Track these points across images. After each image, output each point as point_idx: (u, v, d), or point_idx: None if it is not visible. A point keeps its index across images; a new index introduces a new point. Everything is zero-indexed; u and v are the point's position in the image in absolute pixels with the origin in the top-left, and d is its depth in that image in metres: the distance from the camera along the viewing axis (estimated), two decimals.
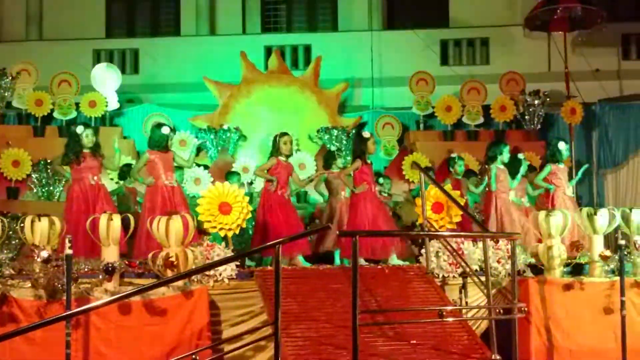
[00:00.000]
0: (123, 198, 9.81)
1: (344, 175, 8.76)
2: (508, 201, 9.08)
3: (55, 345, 5.75)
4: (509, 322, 5.98)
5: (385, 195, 10.49)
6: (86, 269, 6.49)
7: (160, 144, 8.14)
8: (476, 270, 7.16)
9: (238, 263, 6.93)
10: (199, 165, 11.94)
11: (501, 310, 6.24)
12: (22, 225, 6.55)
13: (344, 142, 12.89)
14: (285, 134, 8.50)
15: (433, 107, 13.36)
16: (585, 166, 10.27)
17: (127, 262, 6.64)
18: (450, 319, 6.33)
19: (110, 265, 6.30)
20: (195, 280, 6.60)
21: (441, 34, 15.17)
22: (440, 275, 7.36)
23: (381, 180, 10.66)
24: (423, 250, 7.52)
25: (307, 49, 15.10)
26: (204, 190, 7.80)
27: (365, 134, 8.66)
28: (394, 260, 8.09)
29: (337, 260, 8.64)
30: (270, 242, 5.39)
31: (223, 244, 7.28)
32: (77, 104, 12.77)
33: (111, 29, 16.15)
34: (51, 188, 11.51)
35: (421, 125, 13.56)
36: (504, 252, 7.40)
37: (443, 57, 15.05)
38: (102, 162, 8.21)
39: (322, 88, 13.78)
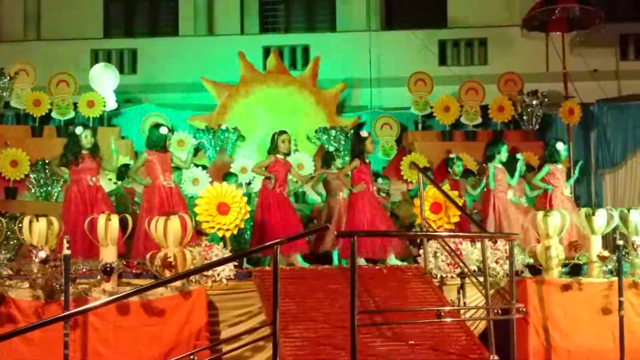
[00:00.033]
0: (121, 198, 9.79)
1: (343, 175, 8.76)
2: (506, 200, 9.07)
3: (54, 346, 5.75)
4: (507, 323, 5.97)
5: (384, 195, 10.48)
6: (84, 270, 6.50)
7: (158, 144, 8.13)
8: (474, 271, 7.16)
9: (236, 263, 6.93)
10: (197, 166, 11.93)
11: (499, 311, 6.23)
12: (20, 225, 6.55)
13: (343, 142, 12.88)
14: (284, 132, 8.50)
15: (431, 108, 13.35)
16: (580, 162, 10.25)
17: (125, 263, 6.64)
18: (448, 320, 6.34)
19: (108, 265, 6.29)
20: (194, 280, 6.60)
21: (439, 34, 15.17)
22: (439, 276, 7.36)
23: (380, 180, 10.66)
24: (421, 251, 7.53)
25: (306, 49, 15.10)
26: (202, 190, 7.81)
27: (363, 133, 8.66)
28: (392, 260, 8.10)
29: (336, 261, 8.64)
30: (269, 243, 5.39)
31: (221, 244, 7.28)
32: (75, 104, 12.74)
33: (109, 29, 16.13)
34: (49, 188, 11.50)
35: (419, 126, 13.54)
36: (502, 252, 7.40)
37: (441, 58, 15.05)
38: (101, 163, 8.21)
39: (321, 88, 13.77)
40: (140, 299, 6.13)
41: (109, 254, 6.47)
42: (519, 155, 9.47)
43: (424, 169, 9.21)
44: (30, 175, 11.60)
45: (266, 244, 6.10)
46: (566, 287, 7.16)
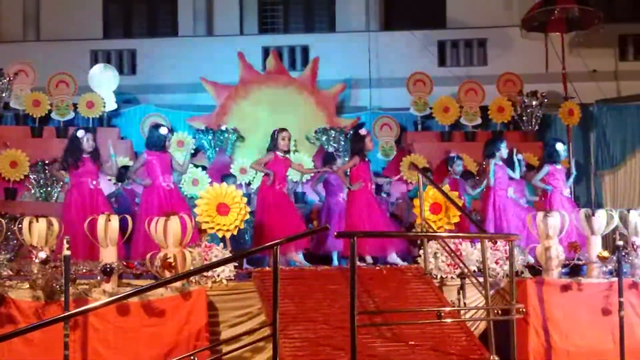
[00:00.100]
0: (121, 199, 9.79)
1: (341, 172, 8.76)
2: (506, 198, 9.07)
3: (54, 346, 5.76)
4: (507, 323, 5.97)
5: (385, 195, 10.48)
6: (84, 270, 6.50)
7: (157, 144, 8.14)
8: (474, 271, 7.16)
9: (236, 264, 6.93)
10: (197, 166, 11.94)
11: (499, 311, 6.23)
12: (20, 226, 6.54)
13: (342, 143, 12.87)
14: (284, 129, 8.48)
15: (431, 108, 13.34)
16: (574, 160, 10.23)
17: (125, 263, 6.63)
18: (448, 320, 6.34)
19: (108, 266, 6.30)
20: (194, 281, 6.60)
21: (439, 34, 15.18)
22: (439, 276, 7.36)
23: (380, 180, 10.65)
24: (421, 251, 7.53)
25: (305, 50, 15.10)
26: (202, 191, 7.81)
27: (362, 131, 8.70)
28: (394, 258, 8.10)
29: (335, 261, 8.64)
30: (268, 243, 5.38)
31: (221, 245, 7.28)
32: (74, 105, 12.73)
33: (108, 29, 16.15)
34: (49, 189, 11.49)
35: (419, 126, 13.55)
36: (502, 253, 7.40)
37: (441, 58, 15.07)
38: (101, 166, 8.23)
39: (320, 89, 13.76)
40: (141, 299, 6.13)
41: (109, 255, 6.48)
42: (519, 156, 9.47)
43: (423, 170, 9.22)
44: (30, 176, 11.60)
45: (266, 244, 6.10)
46: (566, 288, 7.16)
